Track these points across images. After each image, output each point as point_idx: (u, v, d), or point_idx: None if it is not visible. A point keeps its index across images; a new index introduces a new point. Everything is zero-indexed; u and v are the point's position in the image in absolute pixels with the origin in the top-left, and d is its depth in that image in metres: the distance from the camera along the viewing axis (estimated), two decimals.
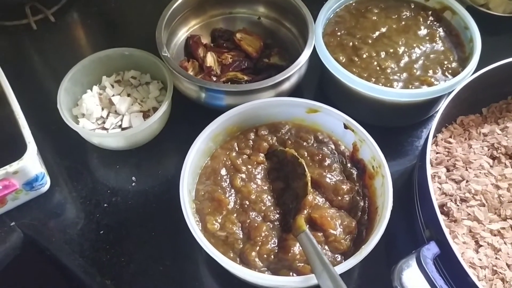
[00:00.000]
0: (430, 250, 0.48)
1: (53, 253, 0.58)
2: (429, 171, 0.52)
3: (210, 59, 0.71)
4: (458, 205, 0.57)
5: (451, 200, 0.58)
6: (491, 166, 0.61)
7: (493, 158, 0.61)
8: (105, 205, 0.61)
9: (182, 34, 0.73)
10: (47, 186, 0.61)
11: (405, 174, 0.64)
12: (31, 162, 0.55)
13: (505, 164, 0.61)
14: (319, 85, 0.74)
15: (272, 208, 0.54)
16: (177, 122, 0.67)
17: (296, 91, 0.67)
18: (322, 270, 0.44)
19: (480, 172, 0.60)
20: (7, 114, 0.59)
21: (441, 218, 0.49)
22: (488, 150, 0.62)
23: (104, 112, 0.64)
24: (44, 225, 0.60)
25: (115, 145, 0.64)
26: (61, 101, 0.62)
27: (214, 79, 0.69)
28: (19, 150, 0.55)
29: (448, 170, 0.61)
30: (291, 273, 0.49)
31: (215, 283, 0.56)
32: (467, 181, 0.59)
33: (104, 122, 0.64)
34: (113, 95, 0.65)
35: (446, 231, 0.48)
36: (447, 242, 0.47)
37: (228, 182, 0.56)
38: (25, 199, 0.60)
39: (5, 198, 0.57)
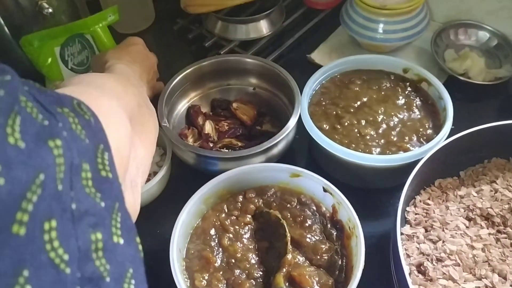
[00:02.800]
0: None
1: None
2: (399, 231, 0.56)
3: (208, 127, 0.78)
4: (434, 265, 0.61)
5: (428, 260, 0.61)
6: (467, 227, 0.64)
7: (469, 219, 0.65)
8: None
9: (184, 105, 0.81)
10: None
11: (386, 234, 0.68)
12: None
13: (481, 225, 0.64)
14: (310, 150, 0.80)
15: (256, 266, 0.59)
16: (176, 185, 0.74)
17: (288, 156, 0.73)
18: None
19: (456, 233, 0.63)
20: None
21: (408, 276, 0.52)
22: (464, 211, 0.66)
23: None
24: None
25: None
26: None
27: (211, 145, 0.76)
28: None
29: (426, 231, 0.65)
30: None
31: None
32: (443, 241, 0.62)
33: None
34: None
35: (410, 285, 0.51)
36: None
37: (216, 241, 0.61)
38: None
39: None
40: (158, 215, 0.72)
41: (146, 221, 0.71)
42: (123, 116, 0.41)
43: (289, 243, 0.58)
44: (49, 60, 0.79)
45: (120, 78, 0.53)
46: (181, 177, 0.74)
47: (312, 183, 0.63)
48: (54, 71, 0.80)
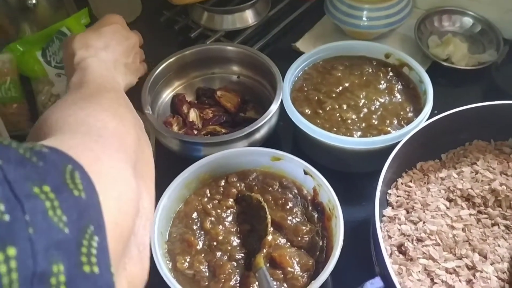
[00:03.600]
0: (374, 284, 0.52)
1: None
2: (377, 212, 0.57)
3: (193, 115, 0.79)
4: (414, 245, 0.61)
5: (408, 240, 0.62)
6: (447, 208, 0.65)
7: (449, 200, 0.66)
8: None
9: (168, 94, 0.82)
10: None
11: (368, 218, 0.69)
12: None
13: (461, 206, 0.65)
14: (294, 135, 0.80)
15: (237, 248, 0.59)
16: (161, 172, 0.74)
17: (273, 142, 0.74)
18: None
19: (436, 214, 0.64)
20: None
21: (384, 252, 0.53)
22: (445, 193, 0.66)
23: None
24: None
25: None
26: None
27: (196, 132, 0.76)
28: None
29: (407, 212, 0.65)
30: None
31: None
32: (424, 222, 0.63)
33: None
34: None
35: (388, 264, 0.52)
36: (389, 276, 0.51)
37: (198, 225, 0.62)
38: None
39: None
40: None
41: None
42: (127, 174, 0.37)
43: (269, 225, 0.58)
44: (33, 64, 0.82)
45: (115, 108, 0.48)
46: (165, 164, 0.74)
47: (293, 166, 0.64)
48: (39, 72, 0.82)
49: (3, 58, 0.80)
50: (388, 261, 0.53)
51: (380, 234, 0.55)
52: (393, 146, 0.64)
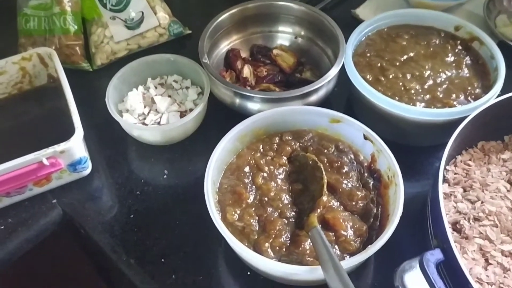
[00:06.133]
0: (434, 255, 0.50)
1: (87, 231, 0.63)
2: (441, 176, 0.55)
3: (247, 71, 0.77)
4: (471, 224, 0.59)
5: (464, 218, 0.59)
6: (508, 190, 0.62)
7: (510, 183, 0.63)
8: (138, 192, 0.67)
9: (224, 47, 0.80)
10: (88, 170, 0.68)
11: (422, 192, 0.66)
12: (77, 145, 0.62)
13: None
14: (347, 103, 0.78)
15: (289, 206, 0.58)
16: (210, 125, 0.73)
17: (325, 106, 0.71)
18: (328, 263, 0.47)
19: (496, 195, 0.61)
20: (63, 105, 0.66)
21: (447, 226, 0.51)
22: (506, 175, 0.63)
23: (146, 109, 0.71)
24: (82, 205, 0.66)
25: (152, 139, 0.69)
26: (109, 96, 0.68)
27: (249, 89, 0.74)
28: (68, 134, 0.61)
29: (464, 191, 0.63)
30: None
31: (229, 273, 0.60)
32: (482, 202, 0.60)
33: (144, 119, 0.70)
34: (156, 95, 0.72)
35: (451, 238, 0.50)
36: (451, 249, 0.49)
37: (250, 179, 0.60)
38: (68, 179, 0.66)
39: (50, 176, 0.64)
40: (191, 153, 0.71)
41: (179, 158, 0.71)
42: None
43: (325, 186, 0.57)
44: (89, 4, 0.81)
45: None
46: (216, 117, 0.73)
47: (352, 130, 0.62)
48: (94, 13, 0.81)
49: None
50: (450, 235, 0.50)
51: (443, 207, 0.53)
52: (456, 121, 0.61)
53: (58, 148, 0.60)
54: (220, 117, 0.73)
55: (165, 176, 0.69)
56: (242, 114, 0.69)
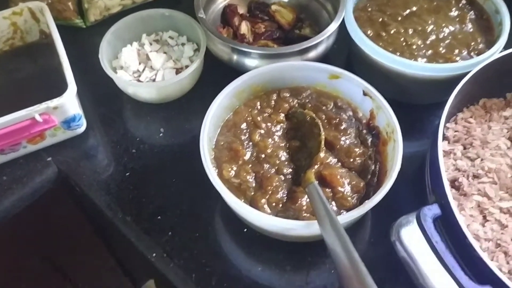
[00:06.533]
0: (431, 210, 0.49)
1: (82, 189, 0.63)
2: (441, 134, 0.54)
3: (244, 27, 0.74)
4: (469, 181, 0.58)
5: (463, 176, 0.59)
6: (508, 148, 0.61)
7: (511, 140, 0.62)
8: (133, 151, 0.66)
9: (221, 2, 0.77)
10: (83, 128, 0.67)
11: (420, 151, 0.65)
12: (70, 101, 0.60)
13: None
14: (347, 60, 0.76)
15: (286, 163, 0.57)
16: (207, 82, 0.71)
17: (324, 63, 0.70)
18: (325, 218, 0.47)
19: (496, 152, 0.60)
20: (55, 62, 0.65)
21: (446, 182, 0.50)
22: (507, 132, 0.62)
23: (141, 66, 0.69)
24: (77, 163, 0.65)
25: (148, 97, 0.68)
26: (103, 52, 0.67)
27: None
28: (61, 92, 0.60)
29: (464, 148, 0.62)
30: None
31: (226, 230, 0.60)
32: (482, 159, 0.59)
33: (139, 76, 0.69)
34: (151, 52, 0.70)
35: (449, 194, 0.49)
36: (449, 204, 0.49)
37: (247, 135, 0.59)
38: (62, 137, 0.66)
39: (44, 133, 0.63)
40: (187, 110, 0.70)
41: (175, 116, 0.70)
42: None
43: (322, 142, 0.56)
44: None
45: None
46: (213, 74, 0.71)
47: (351, 86, 0.60)
48: None
49: None
50: (448, 189, 0.50)
51: (442, 164, 0.52)
52: (458, 77, 0.60)
53: (51, 104, 0.58)
54: (217, 75, 0.72)
55: (161, 135, 0.68)
56: (239, 71, 0.68)
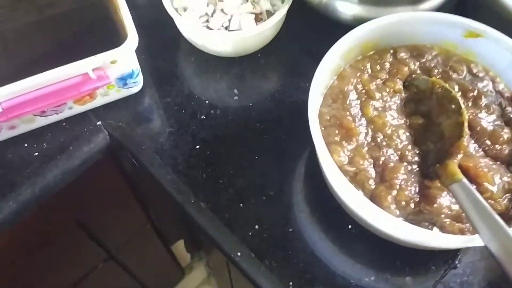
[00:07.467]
0: None
1: (142, 162, 0.51)
2: None
3: None
4: None
5: None
6: None
7: None
8: (203, 117, 0.53)
9: None
10: (139, 87, 0.53)
11: None
12: (130, 53, 0.47)
13: None
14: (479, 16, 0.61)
15: (410, 147, 0.45)
16: (290, 32, 0.57)
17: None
18: (491, 230, 0.35)
19: None
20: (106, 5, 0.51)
21: None
22: None
23: (210, 8, 0.55)
24: (132, 129, 0.53)
25: (220, 49, 0.54)
26: None
27: None
28: (109, 39, 0.47)
29: None
30: (434, 230, 0.40)
31: (326, 223, 0.48)
32: None
33: (208, 21, 0.54)
34: None
35: None
36: None
37: (358, 109, 0.46)
38: (115, 97, 0.53)
39: (95, 92, 0.50)
40: (265, 67, 0.57)
41: (251, 74, 0.56)
42: None
43: (466, 123, 0.43)
44: None
45: None
46: (296, 24, 0.57)
47: (495, 48, 0.47)
48: None
49: None
50: None
51: None
52: None
53: (109, 56, 0.45)
54: (299, 23, 0.58)
55: (235, 97, 0.55)
56: (329, 19, 0.54)
